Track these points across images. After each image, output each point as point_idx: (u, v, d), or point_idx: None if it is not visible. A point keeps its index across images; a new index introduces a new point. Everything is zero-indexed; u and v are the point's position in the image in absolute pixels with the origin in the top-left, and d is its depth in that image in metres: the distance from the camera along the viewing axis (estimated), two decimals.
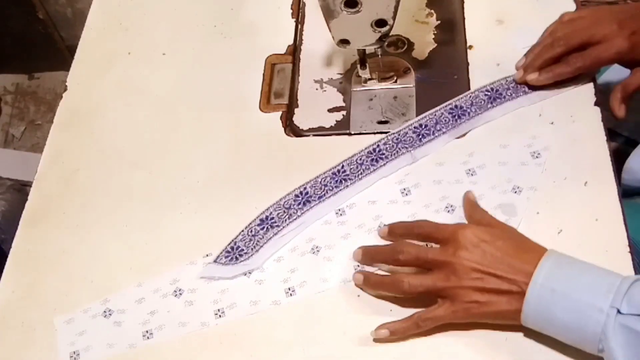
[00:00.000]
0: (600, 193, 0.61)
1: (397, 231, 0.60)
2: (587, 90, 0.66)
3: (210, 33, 0.80)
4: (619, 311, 0.48)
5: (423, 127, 0.66)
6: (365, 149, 0.66)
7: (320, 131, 0.70)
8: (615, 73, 0.83)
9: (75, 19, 1.63)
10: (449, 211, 0.62)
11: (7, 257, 0.68)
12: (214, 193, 0.68)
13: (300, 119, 0.71)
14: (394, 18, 0.60)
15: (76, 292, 0.64)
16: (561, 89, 0.66)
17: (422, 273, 0.56)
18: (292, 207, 0.64)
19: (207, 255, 0.63)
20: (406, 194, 0.63)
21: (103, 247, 0.67)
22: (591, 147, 0.63)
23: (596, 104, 0.65)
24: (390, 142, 0.66)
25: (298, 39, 0.77)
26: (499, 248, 0.53)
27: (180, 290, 0.62)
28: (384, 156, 0.65)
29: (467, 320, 0.55)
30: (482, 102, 0.67)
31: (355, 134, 0.69)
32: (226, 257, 0.62)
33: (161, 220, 0.67)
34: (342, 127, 0.70)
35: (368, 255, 0.59)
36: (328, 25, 0.62)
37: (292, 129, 0.71)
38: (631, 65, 0.64)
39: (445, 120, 0.66)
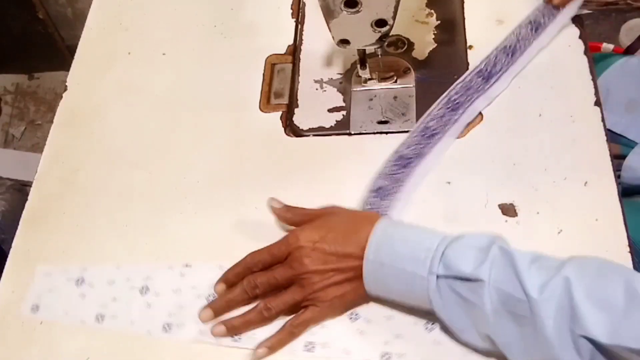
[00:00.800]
0: (600, 193, 0.61)
1: (231, 277, 0.60)
2: (587, 90, 0.66)
3: (210, 33, 0.80)
4: (438, 276, 0.51)
5: (485, 71, 0.69)
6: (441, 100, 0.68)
7: (320, 131, 0.70)
8: (615, 73, 0.83)
9: (75, 19, 1.63)
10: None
11: (7, 257, 0.68)
12: (214, 193, 0.68)
13: (300, 119, 0.71)
14: (394, 18, 0.60)
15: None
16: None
17: (278, 293, 0.58)
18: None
19: (186, 266, 0.63)
20: None
21: (103, 247, 0.67)
22: (591, 147, 0.63)
23: (596, 104, 0.65)
24: (461, 91, 0.68)
25: (298, 39, 0.77)
26: (331, 242, 0.56)
27: (146, 288, 0.62)
28: (458, 104, 0.67)
29: (335, 314, 0.58)
30: (528, 36, 0.69)
31: (355, 134, 0.69)
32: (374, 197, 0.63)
33: (161, 220, 0.67)
34: (342, 127, 0.70)
35: (222, 308, 0.59)
36: (328, 25, 0.62)
37: (292, 129, 0.71)
38: None
39: (503, 61, 0.69)
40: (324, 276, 0.56)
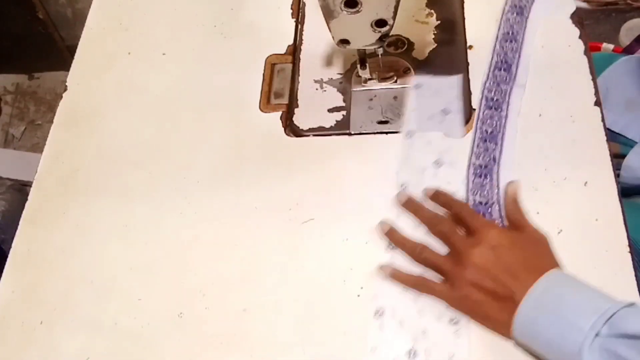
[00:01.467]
0: (600, 193, 0.61)
1: (440, 198, 0.62)
2: (587, 90, 0.66)
3: (210, 33, 0.80)
4: (597, 334, 0.48)
5: (501, 62, 0.69)
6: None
7: (320, 131, 0.70)
8: (614, 72, 0.83)
9: (75, 19, 1.63)
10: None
11: (7, 257, 0.68)
12: (214, 193, 0.68)
13: (300, 119, 0.71)
14: (394, 18, 0.60)
15: (76, 292, 0.65)
16: None
17: (434, 251, 0.59)
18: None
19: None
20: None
21: (103, 247, 0.67)
22: (591, 147, 0.63)
23: (596, 104, 0.65)
24: (493, 87, 0.68)
25: (298, 39, 0.77)
26: (512, 256, 0.55)
27: None
28: (498, 101, 0.68)
29: (459, 310, 0.57)
30: (518, 20, 0.71)
31: (355, 134, 0.69)
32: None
33: (161, 220, 0.67)
34: (342, 127, 0.70)
35: (411, 204, 0.62)
36: (328, 25, 0.62)
37: (292, 129, 0.71)
38: None
39: (510, 47, 0.70)
40: (476, 271, 0.55)
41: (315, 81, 0.73)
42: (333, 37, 0.63)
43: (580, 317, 0.49)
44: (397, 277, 0.59)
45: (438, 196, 0.63)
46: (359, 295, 0.59)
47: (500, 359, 0.55)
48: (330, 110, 0.71)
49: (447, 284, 0.57)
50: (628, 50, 0.85)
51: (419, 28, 0.75)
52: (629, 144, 0.76)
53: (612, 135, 0.70)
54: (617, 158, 0.73)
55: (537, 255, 0.56)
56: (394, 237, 0.61)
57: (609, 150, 0.63)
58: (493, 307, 0.54)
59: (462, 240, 0.58)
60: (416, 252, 0.60)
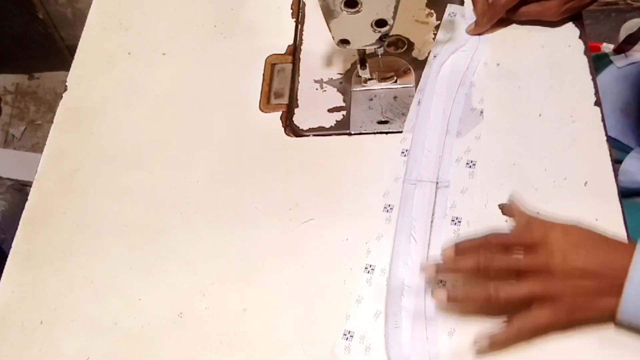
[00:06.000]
0: (600, 193, 0.61)
1: (466, 246, 0.55)
2: (587, 90, 0.66)
3: (210, 33, 0.80)
4: None
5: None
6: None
7: (320, 131, 0.70)
8: (610, 77, 0.83)
9: (75, 19, 1.63)
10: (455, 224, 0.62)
11: (7, 257, 0.68)
12: (214, 193, 0.68)
13: (300, 119, 0.71)
14: (394, 18, 0.60)
15: (76, 292, 0.65)
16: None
17: (511, 283, 0.53)
18: None
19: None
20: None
21: (103, 247, 0.67)
22: (591, 147, 0.63)
23: (596, 104, 0.65)
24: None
25: (298, 39, 0.77)
26: (589, 246, 0.52)
27: None
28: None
29: (568, 325, 0.53)
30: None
31: (355, 134, 0.69)
32: None
33: (161, 220, 0.67)
34: (342, 127, 0.70)
35: (444, 265, 0.55)
36: (328, 25, 0.62)
37: (292, 129, 0.71)
38: None
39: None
40: (574, 275, 0.51)
41: (315, 81, 0.74)
42: (333, 37, 0.63)
43: None
44: (501, 341, 0.53)
45: (463, 246, 0.55)
46: (360, 296, 0.59)
47: None
48: (330, 110, 0.71)
49: (545, 307, 0.52)
50: (619, 50, 0.84)
51: (419, 28, 0.75)
52: (625, 149, 0.75)
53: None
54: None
55: (599, 236, 0.53)
56: (459, 296, 0.55)
57: (609, 150, 0.63)
58: (600, 301, 0.51)
59: (531, 259, 0.52)
60: (492, 294, 0.52)
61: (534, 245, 0.53)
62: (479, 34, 0.71)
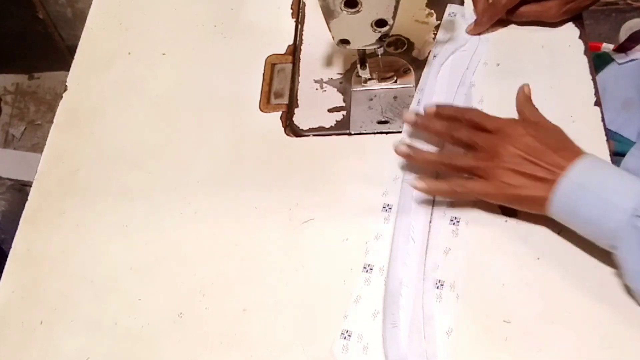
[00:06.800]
0: None
1: (445, 112, 0.62)
2: (587, 90, 0.66)
3: (210, 33, 0.80)
4: (638, 216, 0.50)
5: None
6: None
7: (320, 131, 0.70)
8: (612, 72, 0.83)
9: (75, 19, 1.63)
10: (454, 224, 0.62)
11: (7, 257, 0.68)
12: (214, 193, 0.68)
13: (300, 119, 0.71)
14: (394, 18, 0.60)
15: (76, 292, 0.65)
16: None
17: (463, 154, 0.60)
18: None
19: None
20: None
21: (103, 247, 0.67)
22: (591, 147, 0.63)
23: (596, 104, 0.65)
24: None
25: (298, 39, 0.77)
26: (542, 141, 0.57)
27: None
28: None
29: (497, 200, 0.58)
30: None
31: (355, 134, 0.69)
32: None
33: (161, 220, 0.67)
34: (342, 127, 0.70)
35: (418, 124, 0.63)
36: (328, 25, 0.62)
37: (292, 129, 0.71)
38: None
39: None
40: (514, 159, 0.56)
41: (315, 81, 0.74)
42: (333, 37, 0.63)
43: (623, 198, 0.51)
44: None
45: (443, 110, 0.63)
46: (358, 295, 0.59)
47: None
48: (330, 110, 0.71)
49: (482, 179, 0.58)
50: (621, 49, 0.84)
51: (419, 28, 0.75)
52: (625, 142, 0.76)
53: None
54: (613, 156, 0.73)
55: (564, 140, 0.58)
56: (417, 155, 0.61)
57: (609, 150, 0.63)
58: (533, 187, 0.55)
59: (489, 137, 0.58)
60: (444, 161, 0.60)
61: (497, 129, 0.59)
62: (479, 34, 0.71)
